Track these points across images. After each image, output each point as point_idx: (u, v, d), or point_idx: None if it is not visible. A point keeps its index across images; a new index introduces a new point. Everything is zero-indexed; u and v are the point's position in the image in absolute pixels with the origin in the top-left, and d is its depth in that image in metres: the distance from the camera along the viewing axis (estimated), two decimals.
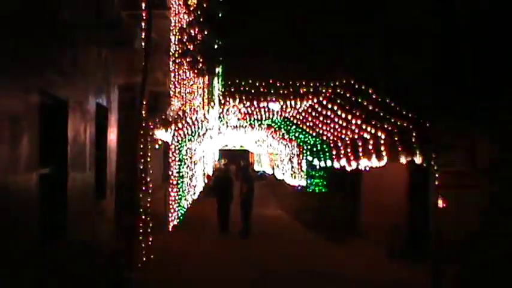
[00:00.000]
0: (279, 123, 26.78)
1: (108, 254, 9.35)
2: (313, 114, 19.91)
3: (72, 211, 7.63)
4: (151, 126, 13.21)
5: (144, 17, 11.39)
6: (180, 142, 21.57)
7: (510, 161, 10.70)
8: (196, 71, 14.98)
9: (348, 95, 15.00)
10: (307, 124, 22.10)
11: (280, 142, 33.24)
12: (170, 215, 19.83)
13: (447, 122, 12.31)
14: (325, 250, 17.20)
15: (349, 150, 20.21)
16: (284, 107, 20.22)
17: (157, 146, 14.45)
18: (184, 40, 13.80)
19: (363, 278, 13.39)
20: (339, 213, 21.54)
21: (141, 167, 11.81)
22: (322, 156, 24.94)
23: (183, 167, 23.49)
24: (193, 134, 22.50)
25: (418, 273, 13.23)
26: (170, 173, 19.96)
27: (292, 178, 32.87)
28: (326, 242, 18.66)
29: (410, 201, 15.82)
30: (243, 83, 15.57)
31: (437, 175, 12.46)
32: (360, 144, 18.88)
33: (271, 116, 23.63)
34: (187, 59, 14.21)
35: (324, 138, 22.57)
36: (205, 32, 11.55)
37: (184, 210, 24.34)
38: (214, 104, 19.42)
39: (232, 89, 16.91)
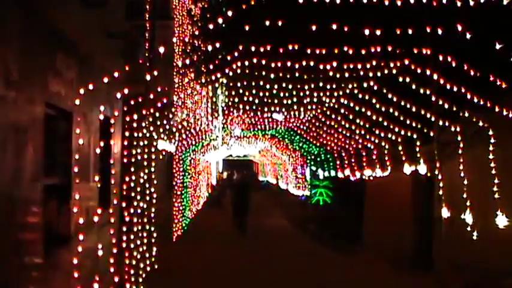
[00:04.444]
0: (282, 133, 26.81)
1: (114, 264, 9.34)
2: (317, 124, 19.93)
3: (77, 221, 7.63)
4: (156, 137, 13.22)
5: (148, 28, 11.43)
6: (184, 152, 21.59)
7: None
8: (199, 82, 15.02)
9: (351, 104, 15.00)
10: (311, 134, 22.11)
11: (284, 152, 33.24)
12: (174, 225, 19.80)
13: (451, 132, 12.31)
14: (330, 261, 17.12)
15: (353, 160, 20.21)
16: (288, 117, 20.26)
17: (161, 157, 14.45)
18: (188, 50, 13.85)
19: None
20: (342, 223, 21.48)
21: (145, 177, 11.81)
22: (326, 166, 24.92)
23: (187, 178, 23.49)
24: (197, 145, 22.52)
25: (424, 283, 13.15)
26: (174, 183, 19.95)
27: (295, 188, 32.84)
28: (330, 252, 18.58)
29: (415, 211, 15.77)
30: (246, 93, 15.59)
31: (441, 184, 12.43)
32: (363, 154, 18.88)
33: (275, 126, 23.67)
34: (191, 70, 14.25)
35: (328, 148, 22.56)
36: (209, 43, 11.59)
37: (189, 220, 24.31)
38: (218, 115, 19.45)
39: (236, 99, 16.95)
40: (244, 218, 22.55)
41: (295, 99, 15.90)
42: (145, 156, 11.75)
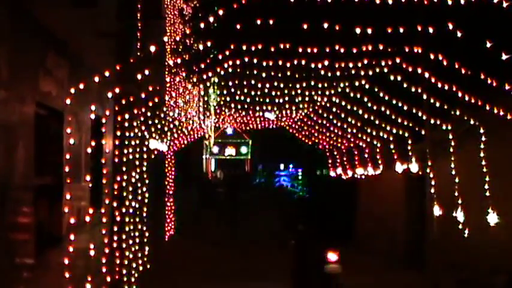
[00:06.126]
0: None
1: (106, 264, 9.32)
2: (309, 123, 19.95)
3: (68, 221, 7.60)
4: (147, 136, 13.20)
5: (140, 27, 11.40)
6: (175, 152, 21.56)
7: None
8: (191, 81, 14.99)
9: (343, 103, 15.02)
10: (303, 133, 22.13)
11: None
12: (166, 224, 19.78)
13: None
14: None
15: (345, 158, 20.24)
16: (279, 116, 20.27)
17: (152, 156, 14.43)
18: (180, 50, 13.82)
19: None
20: (335, 221, 21.48)
21: (137, 177, 11.80)
22: (318, 165, 24.97)
23: (178, 177, 23.46)
24: (189, 144, 22.50)
25: (417, 282, 13.20)
26: (166, 182, 19.92)
27: (288, 187, 32.85)
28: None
29: (407, 209, 15.82)
30: (238, 92, 15.58)
31: (433, 182, 12.46)
32: (355, 152, 18.91)
33: (266, 125, 23.68)
34: (183, 69, 14.22)
35: (320, 147, 22.59)
36: (200, 42, 11.58)
37: (181, 219, 24.28)
38: (210, 114, 19.44)
39: (228, 98, 16.94)
40: (234, 215, 23.67)
41: (286, 98, 15.92)
42: (137, 156, 11.73)
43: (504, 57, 8.70)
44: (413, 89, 11.83)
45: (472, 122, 11.55)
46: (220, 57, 11.42)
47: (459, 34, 8.73)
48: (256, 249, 18.65)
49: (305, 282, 10.77)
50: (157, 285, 12.80)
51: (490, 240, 11.08)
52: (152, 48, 8.21)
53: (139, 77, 9.30)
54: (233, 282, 13.78)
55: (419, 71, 10.88)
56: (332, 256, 10.66)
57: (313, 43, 10.47)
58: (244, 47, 10.51)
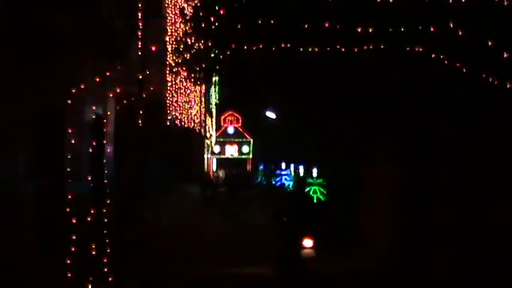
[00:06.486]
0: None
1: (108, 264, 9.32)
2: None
3: (69, 221, 7.61)
4: (148, 135, 13.20)
5: (140, 27, 11.41)
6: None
7: None
8: (192, 80, 15.02)
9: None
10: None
11: None
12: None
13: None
14: (323, 260, 17.13)
15: (346, 158, 20.22)
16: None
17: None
18: (181, 49, 13.85)
19: None
20: (337, 222, 21.47)
21: (139, 176, 11.81)
22: (319, 164, 24.97)
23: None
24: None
25: (417, 281, 13.18)
26: None
27: (290, 186, 32.87)
28: (324, 251, 18.58)
29: (407, 208, 15.81)
30: (239, 92, 15.59)
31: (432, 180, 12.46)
32: (356, 152, 18.89)
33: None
34: (184, 68, 14.25)
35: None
36: (202, 41, 11.58)
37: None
38: (211, 113, 19.47)
39: (229, 98, 16.96)
40: (235, 213, 23.97)
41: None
42: (138, 155, 11.74)
43: (505, 56, 8.69)
44: None
45: None
46: (221, 56, 11.42)
47: (460, 33, 8.72)
48: (253, 243, 18.79)
49: (285, 265, 12.03)
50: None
51: (489, 239, 11.08)
52: (153, 48, 8.23)
53: (140, 77, 9.32)
54: (230, 267, 14.05)
55: None
56: (307, 242, 11.98)
57: (314, 42, 10.46)
58: (245, 46, 10.51)
